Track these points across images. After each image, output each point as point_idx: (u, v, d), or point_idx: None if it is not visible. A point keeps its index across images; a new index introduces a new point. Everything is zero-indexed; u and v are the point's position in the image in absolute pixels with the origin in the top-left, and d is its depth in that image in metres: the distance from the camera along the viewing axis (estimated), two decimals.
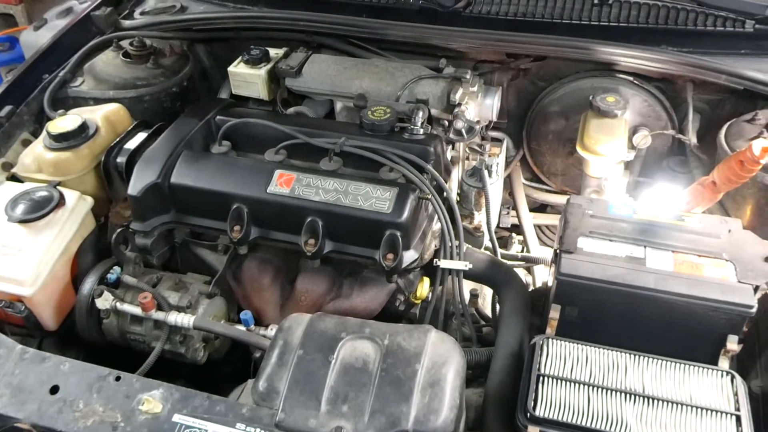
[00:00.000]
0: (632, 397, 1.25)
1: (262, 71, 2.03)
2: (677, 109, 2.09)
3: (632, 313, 1.43)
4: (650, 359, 1.31)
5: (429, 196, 1.64)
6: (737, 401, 1.23)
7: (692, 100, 2.02)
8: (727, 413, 1.22)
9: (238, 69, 2.06)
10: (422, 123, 1.78)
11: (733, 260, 1.45)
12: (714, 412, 1.22)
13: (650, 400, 1.24)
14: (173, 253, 1.87)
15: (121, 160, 1.84)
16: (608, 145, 1.90)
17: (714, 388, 1.27)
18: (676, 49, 1.89)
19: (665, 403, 1.23)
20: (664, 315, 1.41)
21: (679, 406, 1.23)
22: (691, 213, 1.67)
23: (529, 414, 1.23)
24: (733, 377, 1.27)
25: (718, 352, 1.41)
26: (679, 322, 1.41)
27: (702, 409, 1.22)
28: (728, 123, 1.93)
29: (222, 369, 1.84)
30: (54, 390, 1.34)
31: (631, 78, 2.06)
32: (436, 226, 1.75)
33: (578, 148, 1.95)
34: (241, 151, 1.84)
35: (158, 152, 1.75)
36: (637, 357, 1.32)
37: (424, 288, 1.72)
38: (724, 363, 1.40)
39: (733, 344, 1.39)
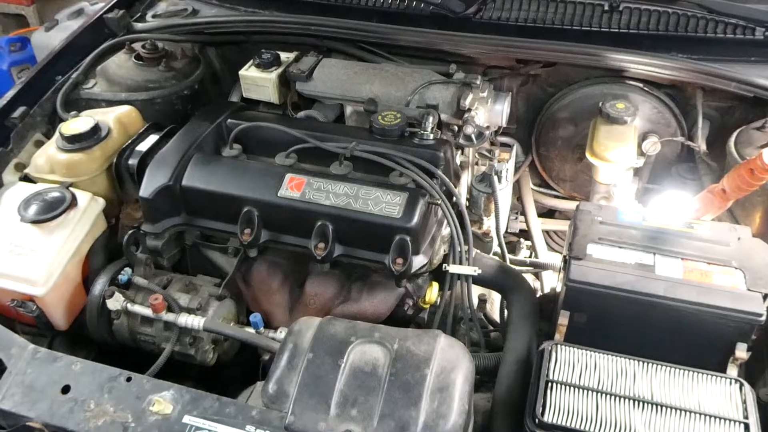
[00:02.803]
0: (640, 404, 1.25)
1: (272, 75, 2.05)
2: (687, 116, 2.09)
3: (641, 320, 1.44)
4: (659, 366, 1.31)
5: (439, 201, 1.64)
6: (746, 409, 1.23)
7: (702, 107, 2.02)
8: (735, 421, 1.22)
9: (249, 72, 2.07)
10: (432, 128, 1.79)
11: (742, 268, 1.45)
12: (722, 420, 1.22)
13: (658, 407, 1.24)
14: (183, 255, 1.89)
15: (132, 162, 1.85)
16: (617, 151, 1.90)
17: (722, 395, 1.27)
18: (686, 56, 1.89)
19: (673, 410, 1.24)
20: (673, 322, 1.42)
21: (688, 413, 1.23)
22: (701, 220, 1.67)
23: (537, 420, 1.23)
24: (741, 385, 1.27)
25: (726, 359, 1.42)
26: (688, 330, 1.42)
27: (710, 416, 1.22)
28: (738, 130, 1.93)
29: (230, 371, 1.85)
30: (65, 390, 1.35)
31: (640, 85, 2.06)
32: (445, 231, 1.75)
33: (587, 155, 1.95)
34: (252, 154, 1.85)
35: (170, 155, 1.77)
36: (645, 364, 1.32)
37: (432, 293, 1.73)
38: (732, 371, 1.41)
39: (741, 352, 1.40)
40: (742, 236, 1.54)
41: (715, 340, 1.41)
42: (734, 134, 1.92)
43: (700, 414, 1.23)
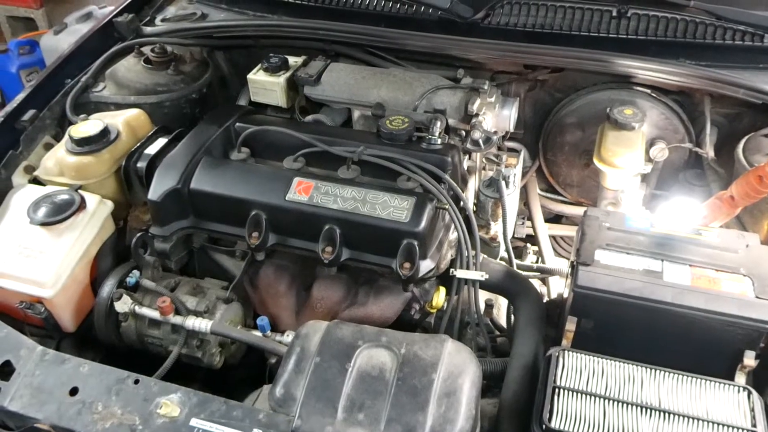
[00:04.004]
0: (648, 411, 1.25)
1: (281, 79, 2.05)
2: (694, 122, 2.09)
3: (649, 327, 1.43)
4: (666, 373, 1.31)
5: (446, 206, 1.65)
6: (753, 417, 1.23)
7: (710, 114, 2.02)
8: (743, 429, 1.21)
9: (257, 76, 2.08)
10: (440, 133, 1.79)
11: (750, 275, 1.45)
12: (730, 428, 1.22)
13: (666, 415, 1.24)
14: (191, 257, 1.89)
15: (141, 165, 1.86)
16: (625, 157, 1.90)
17: (730, 403, 1.26)
18: (693, 63, 1.89)
19: (681, 417, 1.23)
20: (681, 329, 1.41)
21: (695, 420, 1.23)
22: (709, 227, 1.67)
23: (544, 426, 1.23)
24: (749, 393, 1.27)
25: (734, 367, 1.41)
26: (696, 337, 1.41)
27: (718, 424, 1.22)
28: (746, 137, 1.93)
29: (237, 374, 1.85)
30: (73, 392, 1.36)
31: (648, 91, 2.06)
32: (452, 235, 1.75)
33: (595, 160, 1.96)
34: (260, 158, 1.86)
35: (178, 158, 1.77)
36: (653, 371, 1.32)
37: (439, 297, 1.73)
38: (740, 378, 1.40)
39: (750, 360, 1.39)
40: (751, 243, 1.53)
41: (723, 348, 1.41)
42: (742, 141, 1.92)
43: (708, 421, 1.22)
